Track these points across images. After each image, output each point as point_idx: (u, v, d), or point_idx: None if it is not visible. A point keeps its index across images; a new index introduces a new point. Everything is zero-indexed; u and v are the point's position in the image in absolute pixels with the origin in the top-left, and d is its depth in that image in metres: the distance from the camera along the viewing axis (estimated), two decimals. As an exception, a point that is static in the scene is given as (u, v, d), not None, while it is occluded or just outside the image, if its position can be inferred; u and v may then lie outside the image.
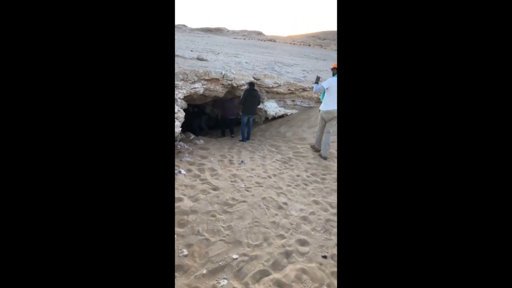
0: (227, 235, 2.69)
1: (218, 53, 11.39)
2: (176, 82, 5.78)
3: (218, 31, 25.36)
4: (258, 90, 7.48)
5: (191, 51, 10.56)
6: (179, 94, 5.68)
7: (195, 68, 6.53)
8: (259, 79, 7.45)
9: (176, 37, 16.26)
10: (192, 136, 6.59)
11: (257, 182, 3.89)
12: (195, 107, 8.15)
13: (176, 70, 6.25)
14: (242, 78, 7.10)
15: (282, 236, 2.75)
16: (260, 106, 7.56)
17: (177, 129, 4.90)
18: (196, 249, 2.46)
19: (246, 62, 9.24)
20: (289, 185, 3.88)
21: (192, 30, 23.11)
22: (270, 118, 7.70)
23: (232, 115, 7.03)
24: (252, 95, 6.14)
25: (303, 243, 2.68)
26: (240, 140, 6.37)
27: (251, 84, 6.27)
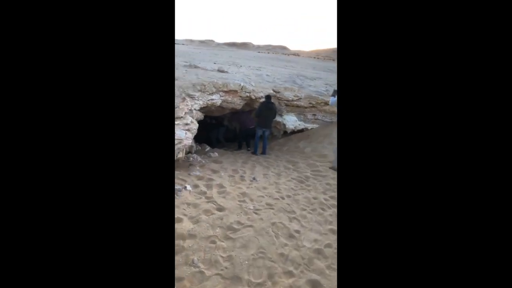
0: (226, 268, 2.29)
1: (241, 66, 11.26)
2: (193, 93, 5.58)
3: (243, 45, 25.68)
4: (277, 103, 7.14)
5: (214, 63, 10.51)
6: (195, 105, 5.46)
7: (214, 80, 6.33)
8: (278, 92, 7.11)
9: (201, 50, 16.55)
10: (208, 148, 6.33)
11: (267, 204, 3.46)
12: (212, 118, 7.93)
13: (195, 81, 6.08)
14: (261, 91, 6.80)
15: (290, 274, 2.30)
16: (279, 119, 7.19)
17: (188, 141, 4.63)
18: (187, 285, 2.07)
19: (267, 75, 8.97)
20: (304, 209, 3.42)
21: (218, 44, 23.52)
22: (289, 132, 7.28)
23: (250, 125, 6.71)
24: (268, 107, 5.89)
25: (315, 285, 2.21)
26: (251, 152, 6.09)
27: (267, 97, 5.99)
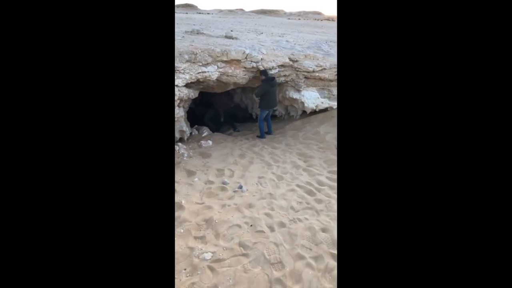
0: None
1: (261, 33, 9.40)
2: (177, 64, 4.13)
3: (273, 12, 23.03)
4: (295, 75, 5.41)
5: (231, 31, 8.80)
6: (178, 80, 4.03)
7: (210, 47, 4.77)
8: (296, 61, 5.32)
9: (224, 19, 14.70)
10: (205, 133, 4.97)
11: (240, 245, 2.02)
12: (200, 101, 6.09)
13: (184, 49, 4.58)
14: (273, 60, 5.08)
15: None
16: (296, 95, 5.48)
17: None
18: None
19: (286, 41, 7.07)
20: (302, 258, 1.94)
21: (245, 13, 21.30)
22: (308, 111, 5.56)
23: (230, 105, 5.69)
24: (271, 84, 4.68)
25: None
26: (257, 136, 4.95)
27: (265, 73, 4.70)
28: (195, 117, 5.94)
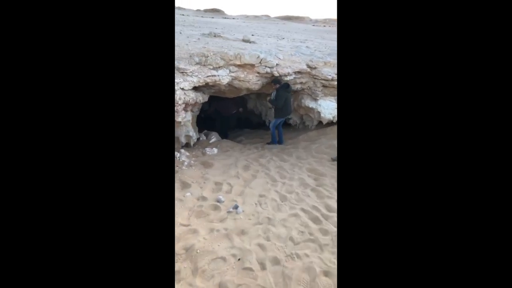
0: None
1: (283, 38, 9.07)
2: (185, 67, 3.87)
3: (298, 19, 22.70)
4: (312, 82, 5.01)
5: (252, 35, 8.55)
6: (184, 83, 3.76)
7: (224, 50, 4.49)
8: (314, 68, 4.90)
9: (248, 24, 14.55)
10: (213, 139, 4.68)
11: None
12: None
13: (195, 51, 4.33)
14: (289, 65, 4.70)
15: None
16: (312, 104, 5.05)
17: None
18: None
19: (307, 47, 6.66)
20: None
21: (269, 18, 21.15)
22: (324, 122, 5.10)
23: (232, 110, 5.32)
24: (287, 91, 4.40)
25: None
26: (268, 143, 4.70)
27: (278, 81, 4.38)
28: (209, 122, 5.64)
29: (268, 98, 4.88)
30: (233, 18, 19.77)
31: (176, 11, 15.93)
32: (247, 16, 23.92)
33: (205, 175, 3.07)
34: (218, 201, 2.53)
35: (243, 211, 2.41)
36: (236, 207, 2.44)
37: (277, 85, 4.38)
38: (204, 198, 2.58)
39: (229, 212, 2.39)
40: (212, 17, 18.12)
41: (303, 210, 2.52)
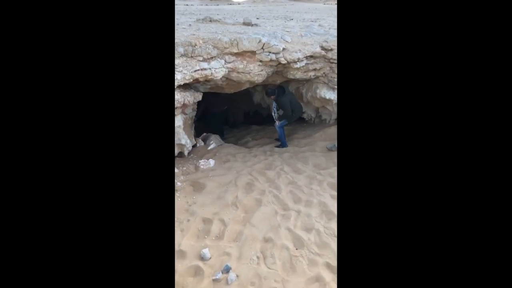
0: None
1: (291, 19, 7.90)
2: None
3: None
4: (328, 68, 4.00)
5: (257, 18, 7.45)
6: (165, 82, 2.89)
7: (216, 36, 3.53)
8: (330, 50, 3.84)
9: (253, 8, 13.30)
10: (212, 145, 3.82)
11: None
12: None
13: (181, 39, 3.41)
14: (300, 49, 3.67)
15: None
16: (329, 95, 4.04)
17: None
18: None
19: (319, 25, 5.51)
20: None
21: (276, 0, 19.68)
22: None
23: (221, 107, 4.67)
24: (286, 93, 3.82)
25: None
26: (276, 147, 3.91)
27: (272, 92, 3.77)
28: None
29: (274, 115, 4.03)
30: (239, 4, 18.46)
31: (181, 2, 14.90)
32: (254, 1, 22.45)
33: (191, 206, 2.24)
34: (202, 257, 1.69)
35: (237, 277, 1.56)
36: (227, 269, 1.59)
37: (274, 96, 3.74)
38: (181, 254, 1.73)
39: (215, 279, 1.54)
40: (217, 5, 16.97)
41: (327, 265, 1.62)
